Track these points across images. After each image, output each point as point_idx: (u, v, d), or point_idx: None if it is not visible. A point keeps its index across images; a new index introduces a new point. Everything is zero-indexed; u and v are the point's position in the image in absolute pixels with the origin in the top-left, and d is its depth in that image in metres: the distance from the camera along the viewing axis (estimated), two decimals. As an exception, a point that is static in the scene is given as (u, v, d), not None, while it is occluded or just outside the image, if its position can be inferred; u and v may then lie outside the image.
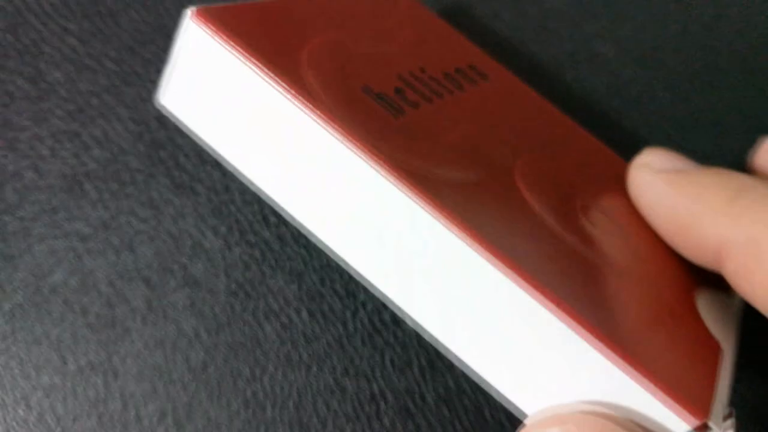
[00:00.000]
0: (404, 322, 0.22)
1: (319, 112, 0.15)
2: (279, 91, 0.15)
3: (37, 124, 0.23)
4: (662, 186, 0.19)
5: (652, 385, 0.14)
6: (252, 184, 0.16)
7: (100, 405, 0.21)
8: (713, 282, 0.20)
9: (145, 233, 0.22)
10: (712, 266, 0.18)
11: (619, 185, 0.22)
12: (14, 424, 0.21)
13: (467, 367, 0.16)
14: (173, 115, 0.17)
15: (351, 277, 0.22)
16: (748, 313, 0.21)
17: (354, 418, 0.21)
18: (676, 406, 0.14)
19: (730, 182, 0.17)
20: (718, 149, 0.26)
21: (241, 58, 0.15)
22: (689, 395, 0.14)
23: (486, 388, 0.16)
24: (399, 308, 0.16)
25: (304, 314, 0.22)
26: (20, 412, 0.21)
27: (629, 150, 0.25)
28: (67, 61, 0.24)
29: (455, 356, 0.16)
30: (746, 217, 0.16)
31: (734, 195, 0.17)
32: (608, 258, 0.18)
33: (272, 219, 0.23)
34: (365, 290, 0.22)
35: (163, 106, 0.17)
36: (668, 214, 0.18)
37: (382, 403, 0.21)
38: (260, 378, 0.21)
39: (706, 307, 0.19)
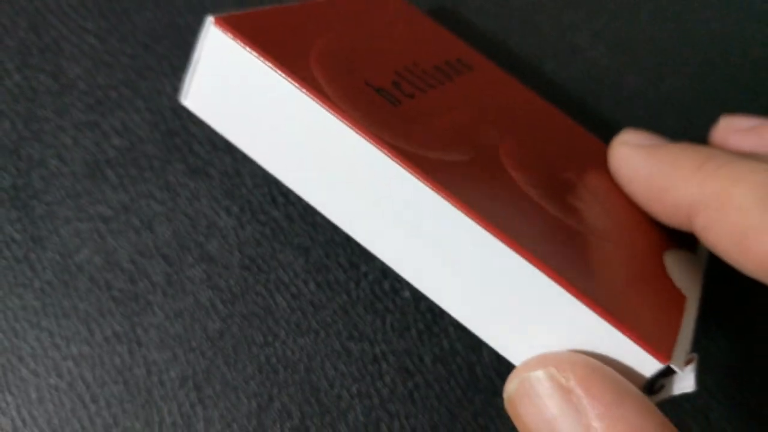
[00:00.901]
0: (403, 290, 0.23)
1: (329, 105, 0.16)
2: (293, 88, 0.16)
3: (60, 116, 0.24)
4: (640, 158, 0.20)
5: (621, 334, 0.15)
6: (268, 170, 0.17)
7: (125, 372, 0.22)
8: (681, 243, 0.21)
9: (163, 214, 0.23)
10: (685, 226, 0.19)
11: (596, 162, 0.22)
12: (47, 391, 0.21)
13: (464, 325, 0.17)
14: (196, 114, 0.17)
15: (354, 251, 0.23)
16: (712, 270, 0.22)
17: (359, 378, 0.22)
18: (642, 351, 0.15)
19: (699, 152, 0.18)
20: (685, 129, 0.27)
21: (259, 60, 0.16)
22: (654, 342, 0.15)
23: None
24: (400, 275, 0.17)
25: (312, 285, 0.22)
26: (52, 380, 0.22)
27: (604, 131, 0.25)
28: (86, 58, 0.25)
29: (452, 315, 0.17)
30: (712, 178, 0.17)
31: (702, 162, 0.18)
32: (588, 224, 0.19)
33: (280, 199, 0.23)
34: (367, 262, 0.23)
35: (185, 106, 0.17)
36: (645, 182, 0.19)
37: (384, 364, 0.22)
38: (273, 344, 0.22)
39: (673, 265, 0.20)
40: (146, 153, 0.24)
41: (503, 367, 0.22)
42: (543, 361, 0.15)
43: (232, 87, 0.17)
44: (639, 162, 0.20)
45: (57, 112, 0.24)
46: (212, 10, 0.25)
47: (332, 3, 0.21)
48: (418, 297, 0.22)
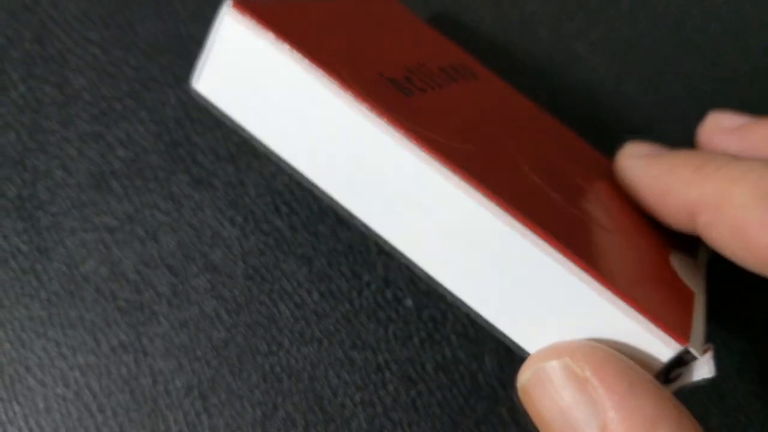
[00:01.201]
0: (405, 299, 0.23)
1: (347, 86, 0.16)
2: (311, 70, 0.16)
3: (65, 127, 0.24)
4: (644, 167, 0.20)
5: (640, 315, 0.15)
6: (281, 159, 0.17)
7: (131, 381, 0.22)
8: (682, 249, 0.21)
9: (168, 225, 0.23)
10: (689, 227, 0.19)
11: (599, 173, 0.22)
12: (54, 401, 0.21)
13: (477, 314, 0.16)
14: (207, 99, 0.17)
15: (356, 259, 0.23)
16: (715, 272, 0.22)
17: (362, 386, 0.22)
18: (662, 332, 0.15)
19: (698, 155, 0.19)
20: (683, 137, 0.27)
21: (277, 42, 0.16)
22: (672, 325, 0.15)
23: (494, 332, 0.16)
24: (411, 259, 0.16)
25: (315, 294, 0.22)
26: (59, 390, 0.22)
27: (604, 139, 0.25)
28: (91, 69, 0.24)
29: (465, 303, 0.16)
30: (711, 178, 0.18)
31: (701, 164, 0.19)
32: (598, 222, 0.19)
33: (284, 209, 0.23)
34: (369, 271, 0.23)
35: (196, 91, 0.17)
36: (650, 187, 0.20)
37: (387, 373, 0.22)
38: (277, 353, 0.22)
39: (678, 265, 0.20)
40: (150, 164, 0.23)
41: (505, 375, 0.22)
42: (557, 350, 0.15)
43: (247, 70, 0.17)
44: (643, 170, 0.20)
45: (62, 123, 0.24)
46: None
47: (338, 3, 0.21)
48: (421, 306, 0.22)
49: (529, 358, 0.16)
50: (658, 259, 0.19)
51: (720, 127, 0.22)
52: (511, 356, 0.22)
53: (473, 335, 0.22)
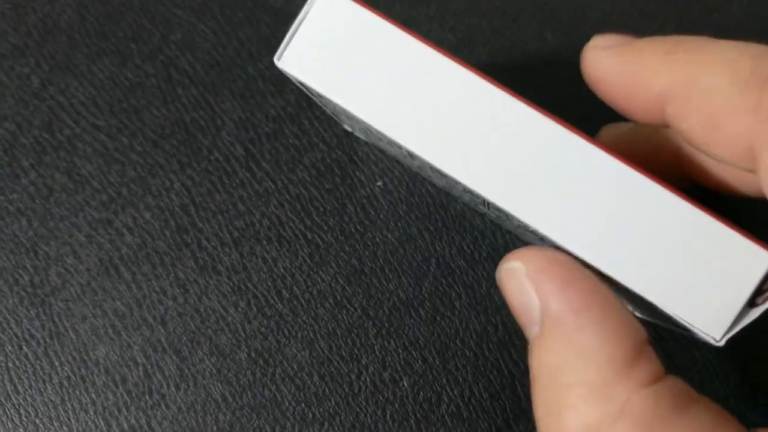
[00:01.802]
0: (401, 381, 0.23)
1: (444, 53, 0.17)
2: (405, 36, 0.17)
3: (74, 214, 0.25)
4: (609, 58, 0.18)
5: (736, 233, 0.15)
6: (387, 135, 0.17)
7: (141, 463, 0.22)
8: None
9: (175, 310, 0.24)
10: (658, 119, 0.18)
11: None
12: (68, 482, 0.22)
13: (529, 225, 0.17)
14: (294, 76, 0.18)
15: (354, 343, 0.24)
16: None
17: (361, 466, 0.23)
18: (756, 246, 0.15)
19: (667, 40, 0.17)
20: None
21: (374, 17, 0.17)
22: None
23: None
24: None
25: (315, 377, 0.23)
26: (72, 471, 0.22)
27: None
28: (98, 156, 0.25)
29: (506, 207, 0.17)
30: (680, 64, 0.17)
31: (670, 49, 0.17)
32: None
33: (285, 293, 0.24)
34: (367, 354, 0.24)
35: (282, 68, 0.18)
36: (615, 80, 0.18)
37: (385, 453, 0.23)
38: (280, 435, 0.23)
39: None
40: (157, 250, 0.24)
41: (496, 455, 0.23)
42: (521, 254, 0.17)
43: (344, 48, 0.17)
44: (608, 61, 0.18)
45: (71, 209, 0.25)
46: (217, 107, 0.25)
47: None
48: (417, 388, 0.23)
49: (503, 258, 0.17)
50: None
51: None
52: (502, 436, 0.23)
53: (467, 416, 0.23)
